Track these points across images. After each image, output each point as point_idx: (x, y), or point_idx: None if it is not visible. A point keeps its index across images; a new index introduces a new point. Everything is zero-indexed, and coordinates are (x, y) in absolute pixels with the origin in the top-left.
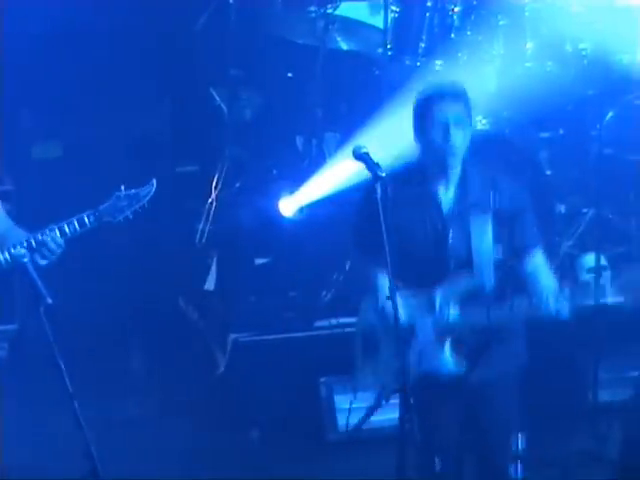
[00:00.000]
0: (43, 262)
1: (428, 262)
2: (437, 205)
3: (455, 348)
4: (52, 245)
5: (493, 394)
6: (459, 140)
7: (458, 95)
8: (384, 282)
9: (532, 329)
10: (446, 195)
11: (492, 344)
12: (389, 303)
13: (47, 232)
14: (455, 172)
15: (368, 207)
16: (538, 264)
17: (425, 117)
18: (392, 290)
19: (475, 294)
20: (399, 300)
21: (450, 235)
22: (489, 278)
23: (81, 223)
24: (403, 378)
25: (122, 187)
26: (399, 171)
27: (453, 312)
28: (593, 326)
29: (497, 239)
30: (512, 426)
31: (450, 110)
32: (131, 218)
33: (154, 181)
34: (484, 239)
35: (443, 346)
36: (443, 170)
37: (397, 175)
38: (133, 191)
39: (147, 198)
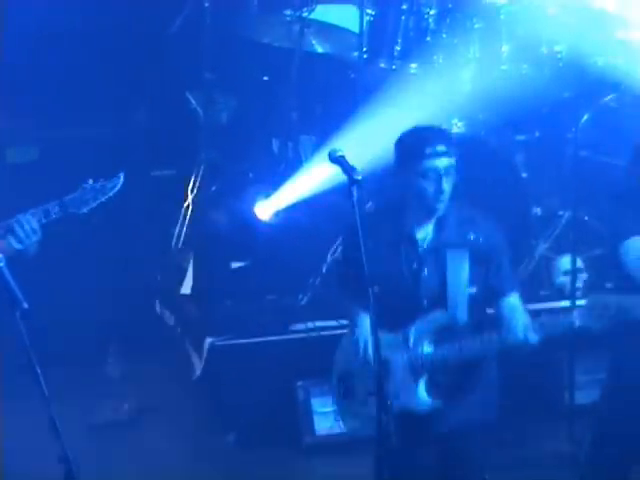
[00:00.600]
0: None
1: (403, 299)
2: (414, 241)
3: (430, 386)
4: (21, 234)
5: (468, 433)
6: (449, 188)
7: (450, 146)
8: (362, 318)
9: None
10: (424, 231)
11: (466, 382)
12: (365, 338)
13: (13, 221)
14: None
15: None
16: (514, 307)
17: (417, 166)
18: (373, 324)
19: (448, 331)
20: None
21: (426, 272)
22: (463, 315)
23: (46, 213)
24: (379, 382)
25: (90, 180)
26: (378, 205)
27: (427, 349)
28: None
29: (473, 279)
30: (486, 465)
31: (443, 162)
32: (95, 209)
33: (121, 175)
34: (460, 277)
35: (417, 384)
36: (428, 213)
37: (376, 209)
38: (100, 183)
39: (113, 191)
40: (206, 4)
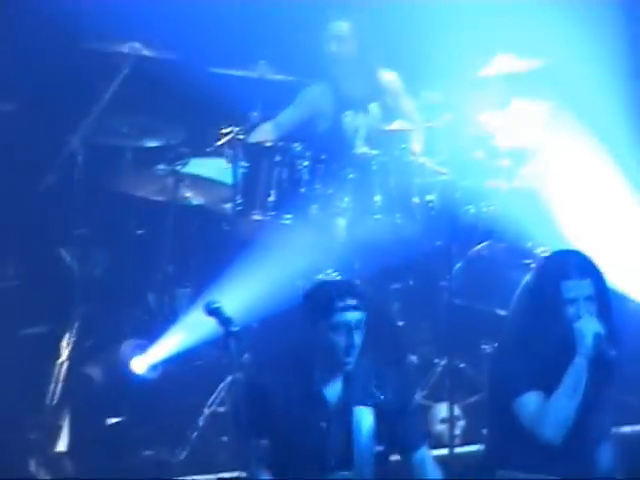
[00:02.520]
0: None
1: (309, 457)
2: (323, 400)
3: None
4: None
5: None
6: (359, 342)
7: (360, 300)
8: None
9: None
10: (333, 389)
11: None
12: None
13: None
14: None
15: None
16: (423, 461)
17: (327, 320)
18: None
19: None
20: None
21: (332, 430)
22: (369, 475)
23: None
24: None
25: None
26: (284, 362)
27: None
28: None
29: (379, 436)
30: None
31: (354, 316)
32: None
33: None
34: (366, 435)
35: None
36: (338, 368)
37: (281, 366)
38: None
39: None
40: (79, 158)
